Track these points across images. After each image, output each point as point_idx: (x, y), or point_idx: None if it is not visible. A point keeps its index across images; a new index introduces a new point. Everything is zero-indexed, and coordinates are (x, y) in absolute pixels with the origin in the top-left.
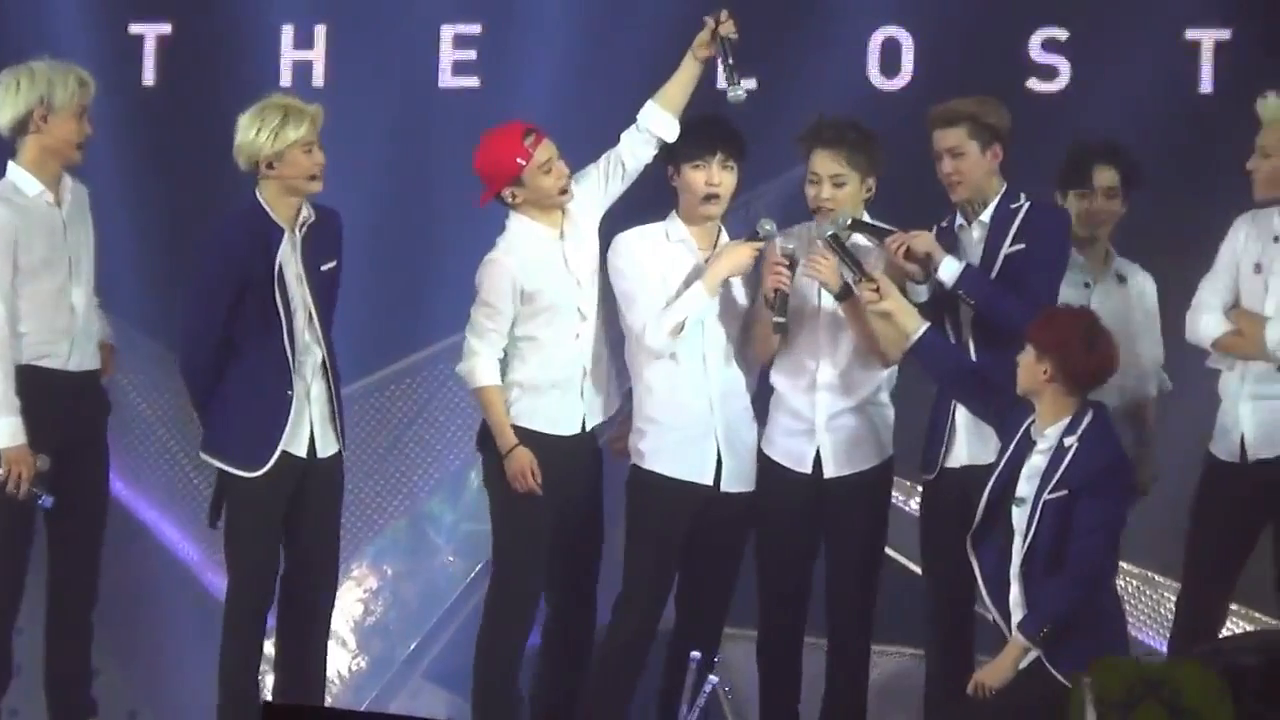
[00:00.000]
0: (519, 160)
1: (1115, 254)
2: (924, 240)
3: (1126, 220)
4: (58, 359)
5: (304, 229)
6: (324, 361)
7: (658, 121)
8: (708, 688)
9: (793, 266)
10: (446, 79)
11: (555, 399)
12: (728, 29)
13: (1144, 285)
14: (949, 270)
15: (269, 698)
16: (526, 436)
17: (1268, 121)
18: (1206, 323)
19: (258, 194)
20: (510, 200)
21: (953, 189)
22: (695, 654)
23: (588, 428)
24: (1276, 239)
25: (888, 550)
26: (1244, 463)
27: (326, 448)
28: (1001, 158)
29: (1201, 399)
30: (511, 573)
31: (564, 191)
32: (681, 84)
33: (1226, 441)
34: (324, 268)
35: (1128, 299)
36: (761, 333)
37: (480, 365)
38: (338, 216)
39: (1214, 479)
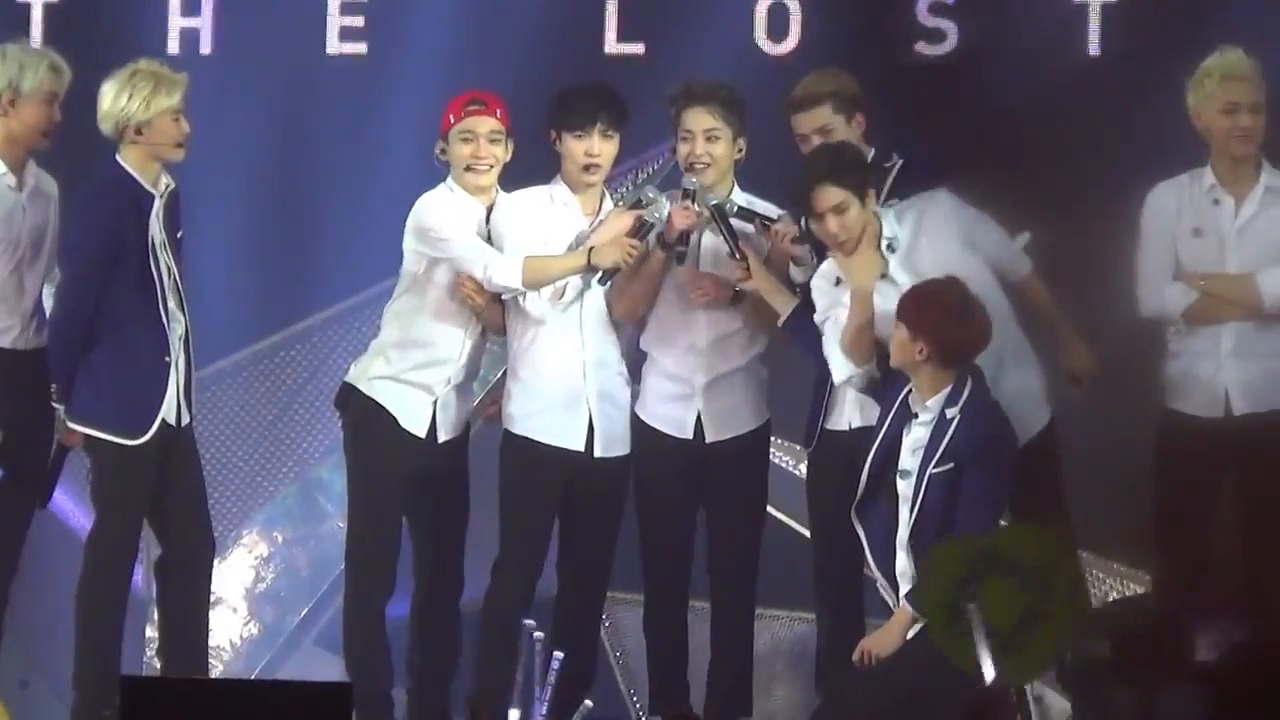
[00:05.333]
0: (450, 118)
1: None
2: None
3: (1010, 181)
4: (9, 337)
5: (165, 196)
6: (186, 330)
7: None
8: (555, 664)
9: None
10: (334, 45)
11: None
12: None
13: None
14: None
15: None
16: (377, 409)
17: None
18: (1171, 294)
19: (121, 160)
20: (440, 154)
21: None
22: (538, 633)
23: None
24: (1217, 202)
25: (780, 515)
26: (1228, 417)
27: (186, 416)
28: (865, 125)
29: None
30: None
31: (470, 170)
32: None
33: (1203, 397)
34: (179, 235)
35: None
36: (631, 292)
37: (499, 263)
38: (176, 186)
39: (1186, 435)
